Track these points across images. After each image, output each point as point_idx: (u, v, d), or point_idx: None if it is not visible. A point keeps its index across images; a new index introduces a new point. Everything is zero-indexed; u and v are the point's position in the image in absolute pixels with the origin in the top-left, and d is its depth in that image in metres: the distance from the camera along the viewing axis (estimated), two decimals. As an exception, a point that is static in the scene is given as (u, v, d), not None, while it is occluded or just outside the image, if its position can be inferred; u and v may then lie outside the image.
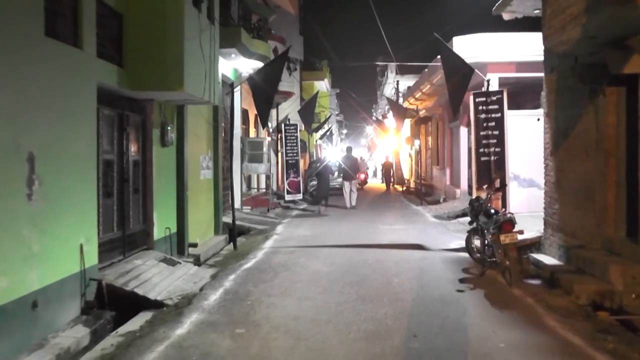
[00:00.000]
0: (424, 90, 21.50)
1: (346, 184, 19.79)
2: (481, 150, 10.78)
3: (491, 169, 10.61)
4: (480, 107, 10.81)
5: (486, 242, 8.42)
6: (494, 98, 10.71)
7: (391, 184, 31.52)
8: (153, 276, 7.94)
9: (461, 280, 8.11)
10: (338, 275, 8.46)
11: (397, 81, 32.79)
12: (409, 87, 28.72)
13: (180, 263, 9.04)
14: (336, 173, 23.14)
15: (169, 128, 9.57)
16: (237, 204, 15.11)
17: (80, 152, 6.74)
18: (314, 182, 21.64)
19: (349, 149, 22.26)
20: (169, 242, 9.81)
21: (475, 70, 10.49)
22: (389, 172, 31.61)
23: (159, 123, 9.39)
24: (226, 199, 13.60)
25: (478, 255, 8.91)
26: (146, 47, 8.04)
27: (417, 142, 28.03)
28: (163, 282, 7.84)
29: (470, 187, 17.68)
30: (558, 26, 7.87)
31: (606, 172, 7.94)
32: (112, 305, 6.94)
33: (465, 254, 9.67)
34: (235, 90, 12.84)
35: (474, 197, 9.76)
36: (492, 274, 8.26)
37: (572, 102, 8.78)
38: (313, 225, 14.87)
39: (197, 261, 10.07)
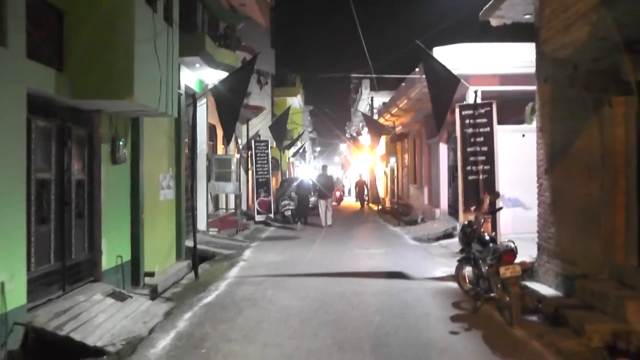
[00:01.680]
0: (400, 106, 20.67)
1: (322, 202, 19.40)
2: (468, 168, 9.88)
3: (479, 189, 9.70)
4: (467, 121, 9.93)
5: (481, 273, 7.39)
6: (482, 111, 9.83)
7: (365, 202, 30.73)
8: (96, 315, 6.79)
9: (453, 319, 7.03)
10: (311, 313, 7.34)
11: (372, 97, 32.06)
12: (384, 103, 27.93)
13: (131, 297, 7.88)
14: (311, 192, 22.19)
15: (120, 143, 8.46)
16: (202, 226, 14.00)
17: (2, 170, 5.60)
18: (286, 202, 20.62)
19: (324, 167, 21.76)
20: (120, 272, 8.66)
21: (462, 80, 9.60)
22: (362, 191, 30.94)
23: (109, 137, 8.29)
24: (190, 221, 12.45)
25: (470, 286, 7.89)
26: (90, 49, 7.03)
27: (392, 160, 27.17)
28: (107, 322, 6.69)
29: (450, 207, 16.82)
30: (560, 27, 7.05)
31: (614, 192, 7.04)
32: (42, 354, 5.79)
33: (453, 284, 8.66)
34: (199, 103, 11.80)
35: (465, 222, 8.72)
36: (486, 309, 7.23)
37: (570, 114, 7.93)
38: (284, 249, 13.73)
39: (154, 292, 8.96)
